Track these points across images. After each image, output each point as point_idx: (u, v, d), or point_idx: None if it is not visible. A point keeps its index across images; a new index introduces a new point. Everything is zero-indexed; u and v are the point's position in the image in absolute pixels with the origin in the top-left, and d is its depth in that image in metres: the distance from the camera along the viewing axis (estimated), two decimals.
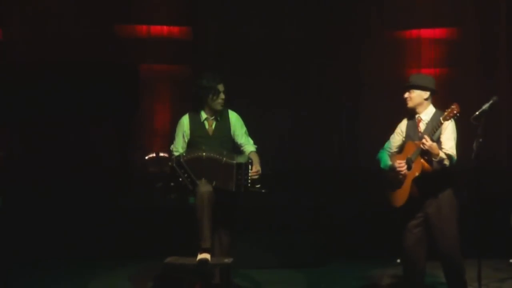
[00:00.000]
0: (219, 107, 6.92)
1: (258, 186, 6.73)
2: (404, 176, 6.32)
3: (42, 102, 9.33)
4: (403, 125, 6.55)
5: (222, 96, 6.89)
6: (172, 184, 6.74)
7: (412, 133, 6.44)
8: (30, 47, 9.52)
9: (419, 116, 6.42)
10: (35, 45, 9.56)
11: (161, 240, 8.56)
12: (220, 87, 6.89)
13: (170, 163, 6.78)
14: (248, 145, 6.95)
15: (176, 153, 6.93)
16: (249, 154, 6.87)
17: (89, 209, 9.15)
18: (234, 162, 6.69)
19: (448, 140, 6.28)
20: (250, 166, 6.68)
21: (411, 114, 6.47)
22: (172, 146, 7.02)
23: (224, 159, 6.69)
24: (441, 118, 6.15)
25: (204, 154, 6.71)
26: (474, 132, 6.15)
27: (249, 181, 6.67)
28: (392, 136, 6.60)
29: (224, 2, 10.08)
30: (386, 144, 6.62)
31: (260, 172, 6.73)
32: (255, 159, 6.79)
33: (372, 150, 6.69)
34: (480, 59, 9.76)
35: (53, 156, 9.31)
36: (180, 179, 6.68)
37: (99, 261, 8.69)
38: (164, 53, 10.14)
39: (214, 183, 6.68)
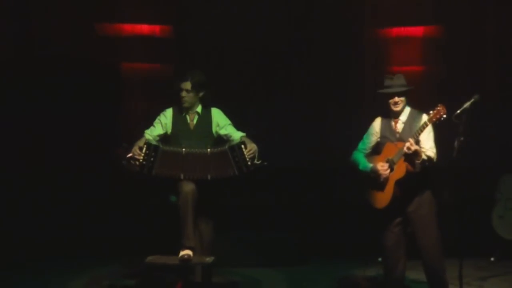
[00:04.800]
0: (182, 104, 6.90)
1: (258, 162, 6.70)
2: (386, 178, 6.31)
3: (23, 99, 9.29)
4: (376, 125, 6.50)
5: (183, 94, 6.86)
6: (134, 155, 6.66)
7: (389, 133, 6.40)
8: (12, 44, 9.48)
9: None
10: (17, 42, 9.52)
11: (143, 238, 8.53)
12: (184, 85, 6.86)
13: (146, 140, 6.74)
14: (236, 133, 6.90)
15: (147, 136, 6.89)
16: (239, 138, 6.83)
17: (71, 206, 9.11)
18: (226, 147, 6.68)
19: (428, 139, 6.26)
20: (243, 146, 6.66)
21: (388, 114, 6.41)
22: (147, 130, 6.97)
23: (209, 150, 6.67)
24: (426, 120, 6.13)
25: (183, 150, 6.69)
26: (456, 130, 6.14)
27: (248, 160, 6.65)
28: (366, 136, 6.55)
29: (208, 1, 10.05)
30: (360, 145, 6.57)
31: (256, 148, 6.70)
32: (247, 139, 6.77)
33: (352, 149, 6.64)
34: (466, 57, 9.78)
35: (35, 152, 9.26)
36: (145, 157, 6.63)
37: (79, 259, 8.66)
38: (146, 52, 10.11)
39: (209, 176, 6.66)
